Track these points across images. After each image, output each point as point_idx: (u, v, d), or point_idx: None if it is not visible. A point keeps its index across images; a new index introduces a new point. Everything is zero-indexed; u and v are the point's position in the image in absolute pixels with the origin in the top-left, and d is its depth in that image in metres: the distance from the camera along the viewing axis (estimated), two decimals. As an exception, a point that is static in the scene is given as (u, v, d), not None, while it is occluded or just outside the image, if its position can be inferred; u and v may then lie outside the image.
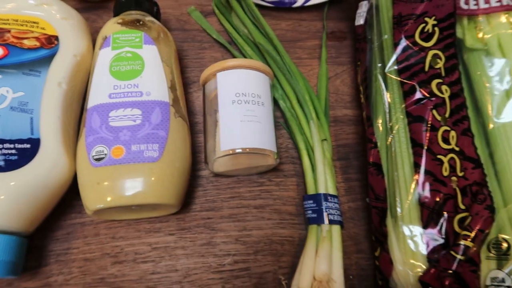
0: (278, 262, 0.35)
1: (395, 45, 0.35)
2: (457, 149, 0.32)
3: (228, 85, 0.35)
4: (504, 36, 0.35)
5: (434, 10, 0.35)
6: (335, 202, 0.36)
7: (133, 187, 0.30)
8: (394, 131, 0.34)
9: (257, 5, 0.45)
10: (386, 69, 0.35)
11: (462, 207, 0.31)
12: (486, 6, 0.36)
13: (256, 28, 0.42)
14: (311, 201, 0.36)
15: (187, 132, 0.35)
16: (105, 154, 0.31)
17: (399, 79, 0.34)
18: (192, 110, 0.41)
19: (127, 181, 0.30)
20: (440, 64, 0.34)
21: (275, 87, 0.40)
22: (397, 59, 0.34)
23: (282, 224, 0.37)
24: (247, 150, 0.33)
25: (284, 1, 0.45)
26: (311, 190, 0.36)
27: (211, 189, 0.38)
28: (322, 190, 0.36)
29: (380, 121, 0.35)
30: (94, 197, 0.30)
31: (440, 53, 0.34)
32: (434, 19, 0.35)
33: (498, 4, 0.36)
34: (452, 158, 0.32)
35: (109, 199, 0.30)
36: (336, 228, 0.35)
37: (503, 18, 0.36)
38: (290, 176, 0.39)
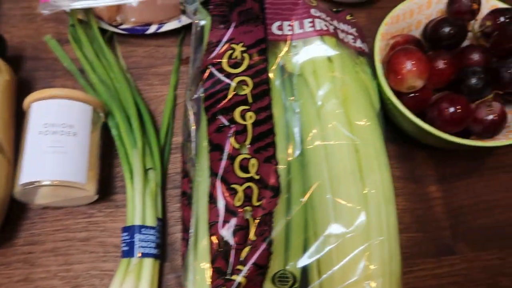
0: (94, 298, 0.34)
1: (202, 72, 0.34)
2: (257, 177, 0.31)
3: (39, 115, 0.35)
4: (318, 61, 0.35)
5: (241, 36, 0.34)
6: (150, 234, 0.34)
7: None
8: (199, 161, 0.33)
9: (115, 33, 0.45)
10: (194, 96, 0.34)
11: (254, 238, 0.30)
12: (301, 31, 0.35)
13: (98, 56, 0.42)
14: (126, 233, 0.35)
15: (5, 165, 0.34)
16: None
17: (203, 106, 0.33)
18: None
19: None
20: (247, 90, 0.33)
21: (111, 115, 0.40)
22: (203, 86, 0.34)
23: (105, 258, 0.36)
24: (48, 182, 0.32)
25: (137, 28, 0.45)
26: (128, 222, 0.35)
27: (38, 222, 0.37)
28: (137, 222, 0.35)
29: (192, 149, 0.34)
30: None
31: (248, 79, 0.34)
32: (242, 46, 0.34)
33: (311, 29, 0.35)
34: (249, 187, 0.31)
35: None
36: (148, 262, 0.34)
37: (317, 42, 0.35)
38: (121, 206, 0.38)
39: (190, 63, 0.36)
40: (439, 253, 0.37)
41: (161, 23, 0.45)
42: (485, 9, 0.39)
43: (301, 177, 0.33)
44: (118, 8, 0.44)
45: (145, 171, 0.37)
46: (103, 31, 0.45)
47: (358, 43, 0.38)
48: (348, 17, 0.43)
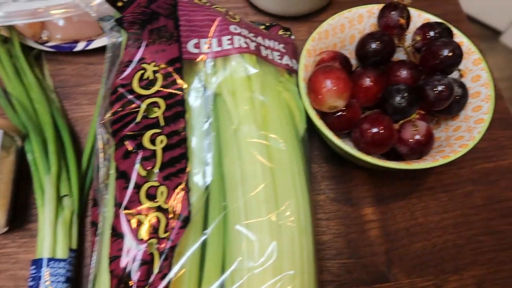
0: None
1: (112, 94, 0.32)
2: (165, 206, 0.29)
3: None
4: (237, 80, 0.33)
5: (153, 55, 0.32)
6: (60, 267, 0.32)
7: None
8: (108, 189, 0.31)
9: (43, 51, 0.43)
10: (103, 120, 0.32)
11: (156, 272, 0.27)
12: (219, 49, 0.34)
13: (20, 75, 0.40)
14: (34, 267, 0.32)
15: None
16: None
17: (110, 130, 0.31)
18: None
19: None
20: (158, 113, 0.31)
21: (28, 138, 0.37)
22: (112, 108, 0.32)
23: (15, 293, 0.34)
24: None
25: (63, 46, 0.43)
26: (37, 254, 0.33)
27: None
28: (45, 254, 0.32)
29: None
30: None
31: (160, 101, 0.32)
32: (155, 65, 0.32)
33: (230, 46, 0.34)
34: (156, 218, 0.29)
35: None
36: (55, 298, 0.31)
37: (237, 60, 0.33)
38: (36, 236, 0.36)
39: (102, 84, 0.34)
40: (372, 281, 0.35)
41: (90, 40, 0.43)
42: (418, 22, 0.38)
43: (217, 205, 0.31)
44: (42, 24, 0.42)
45: (60, 198, 0.35)
46: (31, 49, 0.43)
47: (285, 60, 0.37)
48: (280, 32, 0.41)
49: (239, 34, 0.34)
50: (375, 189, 0.38)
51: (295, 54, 0.39)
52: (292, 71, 0.37)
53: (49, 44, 0.43)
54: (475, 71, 0.35)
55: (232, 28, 0.34)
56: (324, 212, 0.37)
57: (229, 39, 0.34)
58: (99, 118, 0.32)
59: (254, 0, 0.47)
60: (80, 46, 0.43)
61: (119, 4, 0.35)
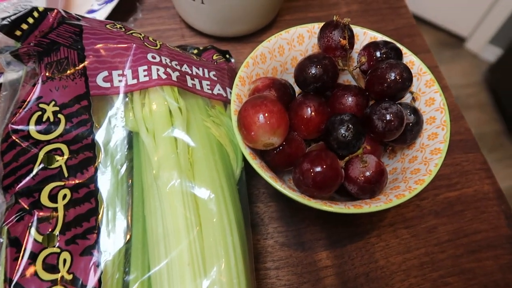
0: None
1: (3, 141, 0.26)
2: (69, 277, 0.24)
3: None
4: (156, 117, 0.28)
5: (52, 93, 0.27)
6: None
7: None
8: (-1, 259, 0.25)
9: None
10: (-6, 175, 0.26)
11: None
12: (134, 81, 0.29)
13: None
14: None
15: None
16: None
17: (0, 186, 0.26)
18: None
19: None
20: (61, 161, 0.26)
21: None
22: (2, 160, 0.26)
23: None
24: None
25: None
26: None
27: None
28: None
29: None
30: None
31: (63, 146, 0.26)
32: (55, 105, 0.27)
33: (146, 78, 0.29)
34: (57, 293, 0.23)
35: None
36: None
37: (156, 94, 0.29)
38: None
39: (-3, 129, 0.29)
40: None
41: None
42: (365, 41, 0.34)
43: (139, 269, 0.26)
44: None
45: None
46: None
47: (217, 90, 0.32)
48: (215, 57, 0.37)
49: (158, 63, 0.30)
50: (330, 229, 0.34)
51: (232, 81, 0.34)
52: (225, 101, 0.33)
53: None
54: (428, 93, 0.31)
55: (149, 56, 0.30)
56: (273, 260, 0.32)
57: (145, 70, 0.29)
58: (-10, 171, 0.27)
59: (190, 22, 0.42)
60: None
61: (18, 33, 0.30)
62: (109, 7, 0.40)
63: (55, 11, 0.30)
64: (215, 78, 0.33)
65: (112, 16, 0.41)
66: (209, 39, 0.44)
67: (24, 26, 0.30)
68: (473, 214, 0.34)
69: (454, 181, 0.36)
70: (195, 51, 0.37)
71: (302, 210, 0.34)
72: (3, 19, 0.29)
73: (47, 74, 0.27)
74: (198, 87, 0.31)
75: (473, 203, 0.35)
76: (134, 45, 0.30)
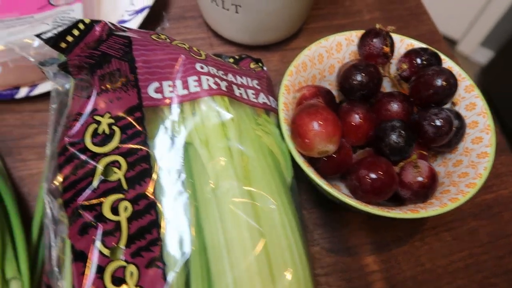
0: None
1: (60, 154, 0.26)
2: (137, 291, 0.24)
3: None
4: (209, 128, 0.28)
5: (107, 105, 0.27)
6: None
7: None
8: (63, 274, 0.25)
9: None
10: (51, 188, 0.26)
11: None
12: (185, 92, 0.29)
13: None
14: None
15: None
16: None
17: (61, 200, 0.26)
18: None
19: None
20: (120, 174, 0.26)
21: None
22: (61, 173, 0.26)
23: None
24: None
25: (2, 93, 0.37)
26: None
27: None
28: None
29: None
30: None
31: (120, 159, 0.26)
32: (110, 117, 0.27)
33: (197, 88, 0.29)
34: (125, 308, 0.23)
35: None
36: None
37: (207, 104, 0.29)
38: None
39: (48, 142, 0.28)
40: None
41: (34, 85, 0.38)
42: (401, 48, 0.35)
43: (201, 284, 0.25)
44: (-26, 72, 0.36)
45: (5, 281, 0.29)
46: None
47: (261, 98, 0.32)
48: (252, 65, 0.37)
49: (207, 73, 0.30)
50: (374, 234, 0.34)
51: (271, 89, 0.35)
52: (270, 110, 0.33)
53: (-16, 93, 0.37)
54: (468, 98, 0.32)
55: (198, 66, 0.30)
56: (321, 266, 0.32)
57: (195, 80, 0.29)
58: (46, 184, 0.27)
59: (220, 31, 0.43)
60: (22, 93, 0.37)
61: (63, 45, 0.30)
62: (140, 17, 0.40)
63: (102, 23, 0.30)
64: (258, 87, 0.33)
65: (140, 26, 0.41)
66: (237, 48, 0.44)
67: (69, 38, 0.30)
68: (510, 216, 0.35)
69: (489, 183, 0.37)
70: (231, 60, 0.37)
71: (345, 215, 0.35)
72: (46, 33, 0.29)
73: (101, 86, 0.27)
74: (244, 96, 0.31)
75: (509, 204, 0.36)
76: (183, 55, 0.30)
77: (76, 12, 0.36)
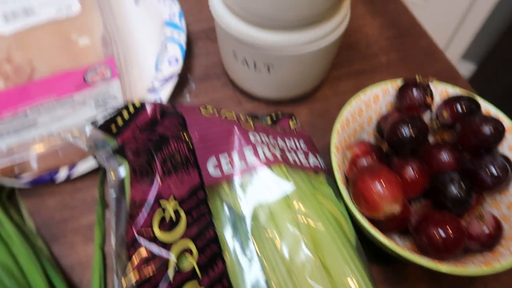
0: None
1: (128, 247, 0.26)
2: None
3: None
4: (272, 202, 0.28)
5: (171, 189, 0.27)
6: None
7: None
8: None
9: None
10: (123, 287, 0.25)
11: None
12: (243, 165, 0.29)
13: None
14: None
15: None
16: None
17: (136, 298, 0.25)
18: None
19: None
20: (192, 261, 0.26)
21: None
22: (134, 268, 0.25)
23: None
24: None
25: (42, 177, 0.36)
26: None
27: None
28: None
29: None
30: None
31: (190, 244, 0.26)
32: (175, 201, 0.27)
33: (255, 160, 0.29)
34: None
35: None
36: None
37: (266, 176, 0.29)
38: None
39: (111, 231, 0.28)
40: None
41: (72, 164, 0.37)
42: (436, 94, 0.36)
43: None
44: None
45: None
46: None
47: (312, 160, 0.33)
48: (291, 123, 0.37)
49: (260, 142, 0.30)
50: (436, 284, 0.34)
51: (315, 147, 0.35)
52: (320, 171, 0.33)
53: (24, 179, 0.36)
54: (510, 139, 0.33)
55: (251, 136, 0.30)
56: (386, 323, 0.32)
57: (251, 151, 0.29)
58: (116, 283, 0.26)
59: (249, 89, 0.43)
60: (62, 175, 0.37)
61: (113, 129, 0.30)
62: (171, 84, 0.41)
63: (154, 103, 0.30)
64: (305, 148, 0.33)
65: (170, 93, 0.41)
66: (266, 103, 0.45)
67: (120, 122, 0.30)
68: None
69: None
70: (269, 120, 0.38)
71: (404, 269, 0.34)
72: (98, 118, 0.29)
73: (163, 169, 0.27)
74: (297, 160, 0.31)
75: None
76: (236, 127, 0.30)
77: (115, 89, 0.36)
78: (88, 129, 0.29)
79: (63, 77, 0.37)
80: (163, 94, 0.40)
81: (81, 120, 0.33)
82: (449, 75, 0.48)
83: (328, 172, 0.33)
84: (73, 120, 0.33)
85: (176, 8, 0.47)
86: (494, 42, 1.49)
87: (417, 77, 0.33)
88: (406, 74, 0.48)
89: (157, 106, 0.30)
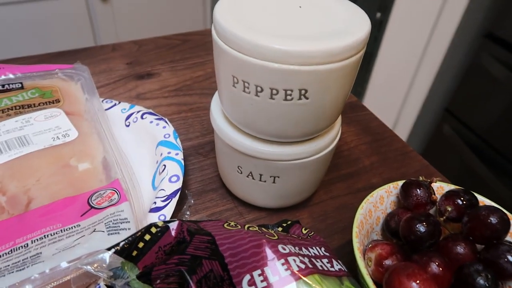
0: None
1: None
2: None
3: None
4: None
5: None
6: None
7: None
8: None
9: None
10: None
11: None
12: (276, 278, 0.28)
13: None
14: None
15: None
16: None
17: None
18: None
19: None
20: None
21: None
22: None
23: None
24: None
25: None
26: None
27: None
28: None
29: None
30: None
31: None
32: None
33: (288, 272, 0.28)
34: None
35: None
36: None
37: (303, 285, 0.28)
38: None
39: None
40: None
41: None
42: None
43: None
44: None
45: None
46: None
47: (336, 265, 0.32)
48: (304, 231, 0.38)
49: (290, 253, 0.30)
50: None
51: (335, 253, 0.35)
52: (344, 275, 0.33)
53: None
54: (510, 226, 0.35)
55: (280, 248, 0.30)
56: None
57: (284, 264, 0.29)
58: None
59: (250, 200, 0.44)
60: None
61: (134, 253, 0.28)
62: (174, 202, 0.41)
63: (179, 222, 0.30)
64: (327, 253, 0.33)
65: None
66: (266, 212, 0.45)
67: (141, 245, 0.29)
68: None
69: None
70: (280, 229, 0.38)
71: None
72: (118, 245, 0.28)
73: (200, 293, 0.26)
74: (324, 267, 0.31)
75: None
76: (265, 240, 0.30)
77: (126, 212, 0.35)
78: (108, 257, 0.28)
79: (66, 204, 0.36)
80: (167, 212, 0.40)
81: (93, 248, 0.31)
82: (428, 172, 0.52)
83: (350, 276, 0.32)
84: (84, 249, 0.31)
85: (170, 130, 0.49)
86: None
87: (420, 178, 0.36)
88: (390, 174, 0.51)
89: (183, 225, 0.30)
